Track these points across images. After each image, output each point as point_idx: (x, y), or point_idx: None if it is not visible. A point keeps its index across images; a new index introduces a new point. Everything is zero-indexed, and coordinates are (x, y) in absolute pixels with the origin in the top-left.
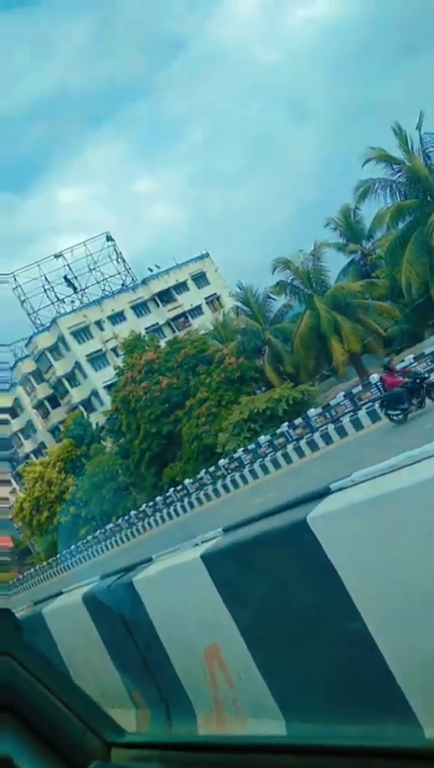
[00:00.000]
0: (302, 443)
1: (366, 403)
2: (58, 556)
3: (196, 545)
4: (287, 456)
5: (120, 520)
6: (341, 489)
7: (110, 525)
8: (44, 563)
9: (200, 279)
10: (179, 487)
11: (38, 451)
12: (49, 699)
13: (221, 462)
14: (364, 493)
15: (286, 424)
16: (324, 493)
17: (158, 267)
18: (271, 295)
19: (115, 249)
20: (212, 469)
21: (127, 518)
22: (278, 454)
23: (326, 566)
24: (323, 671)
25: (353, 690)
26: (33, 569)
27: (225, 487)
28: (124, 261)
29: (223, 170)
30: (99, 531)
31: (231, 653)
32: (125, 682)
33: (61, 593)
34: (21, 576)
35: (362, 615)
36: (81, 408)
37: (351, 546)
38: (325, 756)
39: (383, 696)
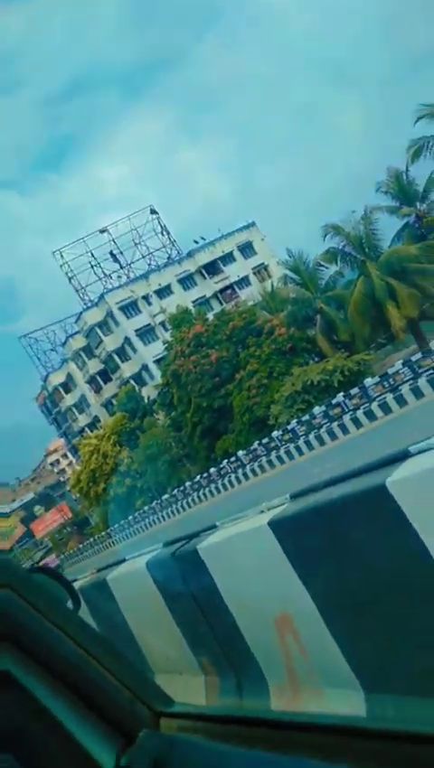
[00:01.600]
0: (359, 413)
1: (427, 371)
2: (115, 526)
3: (262, 512)
4: (343, 427)
5: (176, 491)
6: (421, 452)
7: (166, 496)
8: (103, 533)
9: (247, 249)
10: (232, 459)
11: (92, 425)
12: (98, 671)
13: (275, 433)
14: None
15: (341, 394)
16: (401, 457)
17: (204, 239)
18: (322, 263)
19: (159, 222)
20: (265, 440)
21: (182, 489)
22: (334, 424)
23: (408, 531)
24: (406, 642)
25: None
26: (92, 539)
27: (280, 458)
28: (169, 234)
29: (268, 138)
30: (155, 502)
31: (304, 623)
32: (192, 649)
33: (124, 560)
34: (81, 546)
35: None
36: (132, 383)
37: None
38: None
39: None
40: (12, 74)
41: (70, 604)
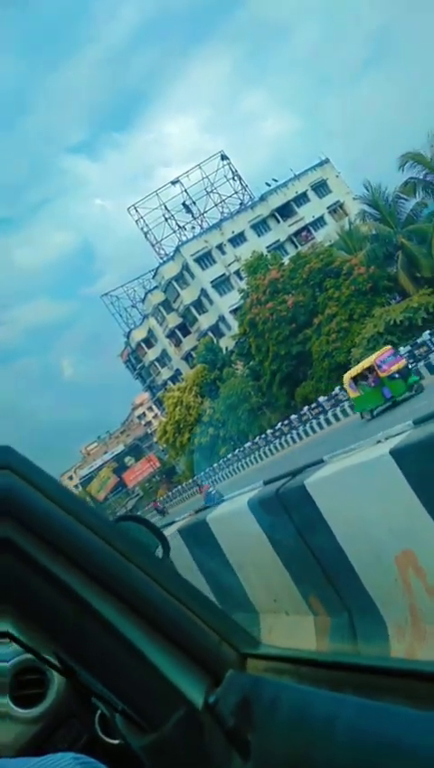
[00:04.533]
0: None
1: None
2: (201, 473)
3: (379, 441)
4: (431, 366)
5: (257, 439)
6: None
7: (248, 444)
8: (190, 480)
9: (321, 188)
10: (313, 405)
11: (174, 377)
12: (184, 613)
13: None
14: None
15: (427, 332)
16: None
17: (276, 181)
18: (401, 195)
19: (230, 168)
20: None
21: (263, 436)
22: (421, 364)
23: None
24: None
25: None
26: (180, 486)
27: None
28: (240, 179)
29: (337, 70)
30: (237, 450)
31: (431, 560)
32: (300, 589)
33: (223, 500)
34: (170, 493)
35: None
36: (210, 334)
37: None
38: None
39: None
40: (78, 34)
41: (159, 550)
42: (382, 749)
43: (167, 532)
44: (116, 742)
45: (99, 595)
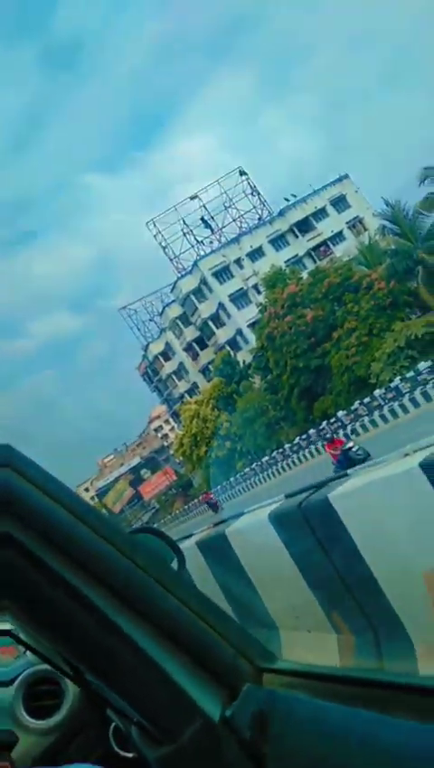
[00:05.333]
0: None
1: None
2: (218, 487)
3: (406, 455)
4: None
5: (275, 453)
6: None
7: (265, 458)
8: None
9: (340, 203)
10: (332, 419)
11: (191, 391)
12: (200, 626)
13: (377, 392)
14: None
15: None
16: None
17: (294, 196)
18: (421, 211)
19: (249, 183)
20: (367, 400)
21: (281, 450)
22: None
23: None
24: None
25: None
26: (196, 500)
27: (383, 417)
28: (259, 194)
29: (355, 88)
30: (254, 464)
31: None
32: (323, 605)
33: (242, 513)
34: (186, 507)
35: None
36: (228, 348)
37: None
38: None
39: None
40: (98, 54)
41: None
42: (394, 762)
43: (185, 545)
44: (130, 755)
45: (109, 602)
